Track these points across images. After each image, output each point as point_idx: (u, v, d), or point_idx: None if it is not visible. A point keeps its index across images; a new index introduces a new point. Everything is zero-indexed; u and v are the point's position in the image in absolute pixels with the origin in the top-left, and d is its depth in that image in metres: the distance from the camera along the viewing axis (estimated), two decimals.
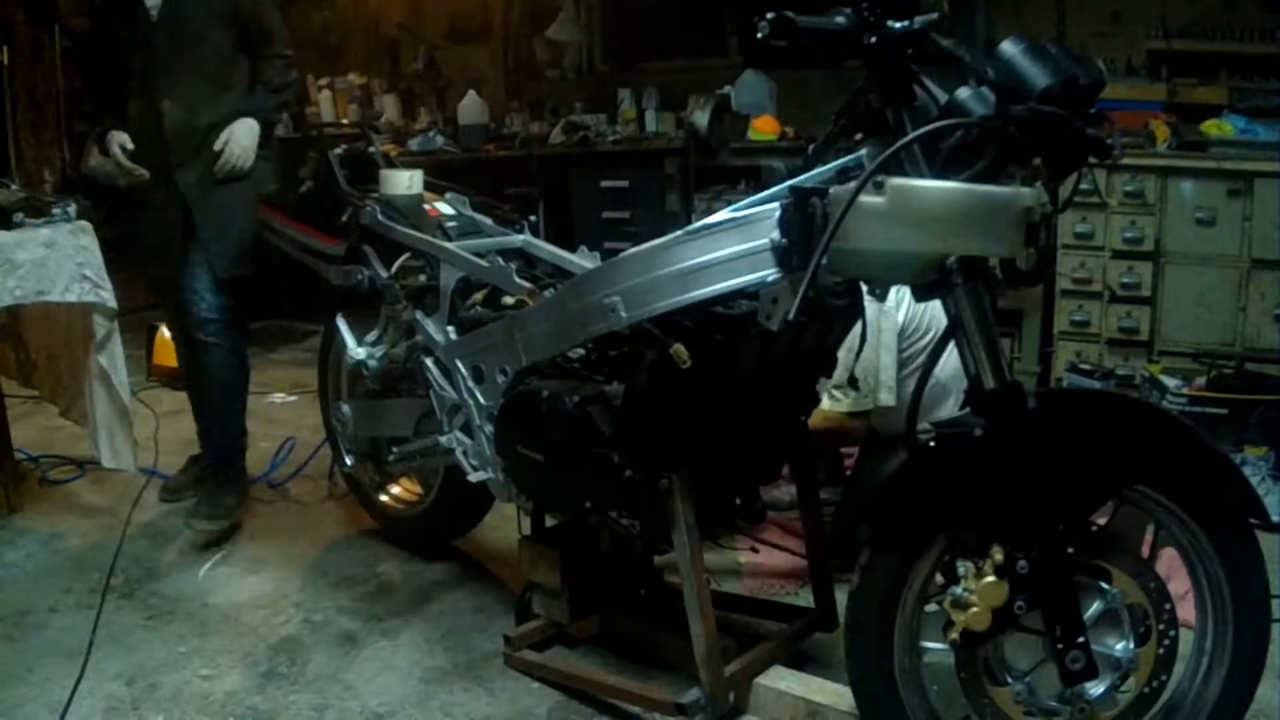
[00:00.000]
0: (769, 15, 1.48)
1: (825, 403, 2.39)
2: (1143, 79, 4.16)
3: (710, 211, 2.50)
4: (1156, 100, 4.04)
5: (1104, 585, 1.56)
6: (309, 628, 2.43)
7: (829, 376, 2.15)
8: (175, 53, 2.79)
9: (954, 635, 1.51)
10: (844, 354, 2.15)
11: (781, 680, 2.02)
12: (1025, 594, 1.49)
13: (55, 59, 5.68)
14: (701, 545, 1.96)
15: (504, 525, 2.66)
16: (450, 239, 2.44)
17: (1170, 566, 1.72)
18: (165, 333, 4.55)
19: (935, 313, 2.42)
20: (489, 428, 2.19)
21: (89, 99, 2.90)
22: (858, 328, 1.89)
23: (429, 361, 2.36)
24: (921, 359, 2.50)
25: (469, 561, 2.76)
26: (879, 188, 1.41)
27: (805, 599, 2.33)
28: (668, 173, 4.77)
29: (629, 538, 2.06)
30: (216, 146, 2.83)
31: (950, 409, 2.22)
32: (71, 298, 2.75)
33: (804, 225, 1.52)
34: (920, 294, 1.57)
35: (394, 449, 2.68)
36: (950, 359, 1.61)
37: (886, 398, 2.47)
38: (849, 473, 2.97)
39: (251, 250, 2.89)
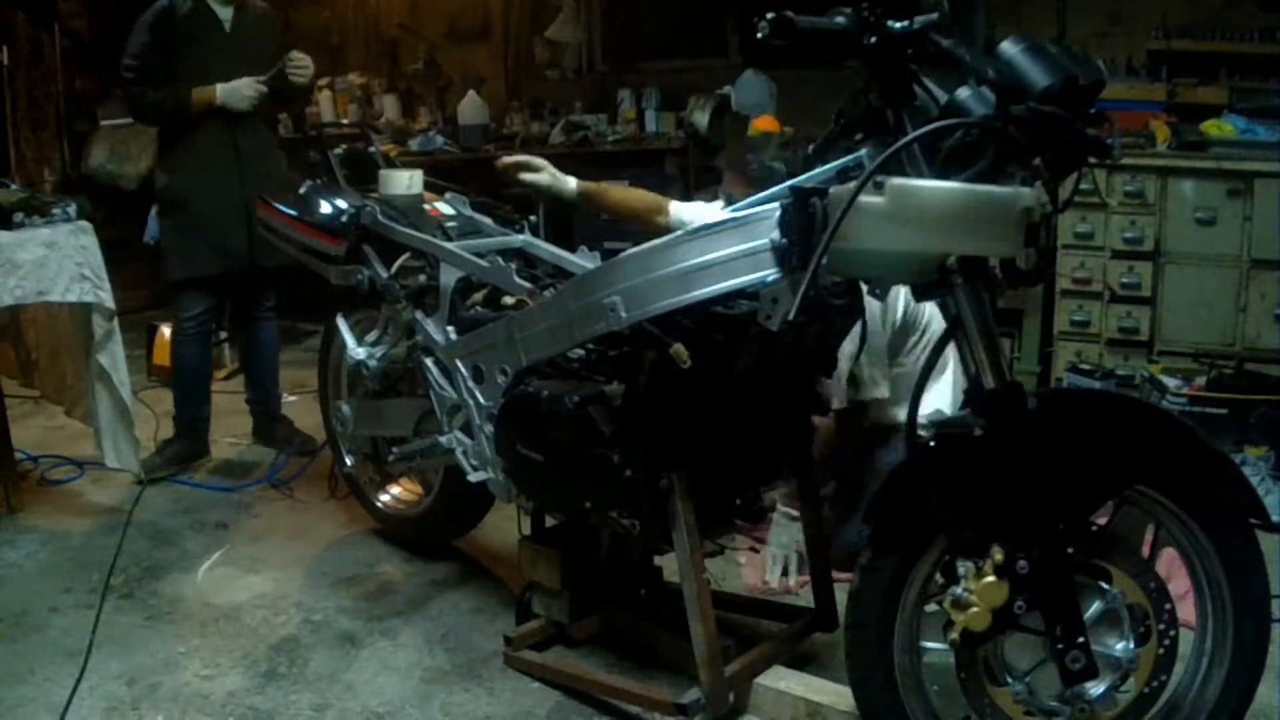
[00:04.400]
0: (769, 15, 1.48)
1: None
2: (1143, 79, 4.15)
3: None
4: (1156, 100, 4.04)
5: (1104, 585, 1.56)
6: (309, 628, 2.43)
7: (829, 376, 2.15)
8: (245, 61, 3.30)
9: (954, 635, 1.51)
10: (845, 354, 2.15)
11: (781, 680, 2.02)
12: (1025, 594, 1.49)
13: (55, 59, 5.67)
14: (701, 545, 1.96)
15: (504, 525, 2.66)
16: (450, 239, 2.44)
17: (1170, 566, 1.72)
18: (165, 333, 4.55)
19: (932, 311, 2.43)
20: (489, 428, 2.19)
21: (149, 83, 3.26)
22: (856, 329, 1.89)
23: (429, 361, 2.36)
24: (913, 356, 2.50)
25: (469, 561, 2.76)
26: (879, 188, 1.41)
27: (806, 599, 2.33)
28: (668, 173, 4.77)
29: (629, 538, 2.05)
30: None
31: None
32: (71, 298, 2.75)
33: (804, 225, 1.52)
34: (920, 294, 1.57)
35: (394, 449, 2.68)
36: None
37: (880, 391, 2.48)
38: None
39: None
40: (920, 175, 1.44)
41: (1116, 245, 3.78)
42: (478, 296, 2.33)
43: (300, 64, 3.32)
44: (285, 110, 3.51)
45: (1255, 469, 3.02)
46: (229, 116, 3.29)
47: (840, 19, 1.49)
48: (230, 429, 3.91)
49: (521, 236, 2.53)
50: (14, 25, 5.47)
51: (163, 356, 4.53)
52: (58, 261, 2.71)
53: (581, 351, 2.03)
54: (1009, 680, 1.60)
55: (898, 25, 1.48)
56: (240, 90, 3.27)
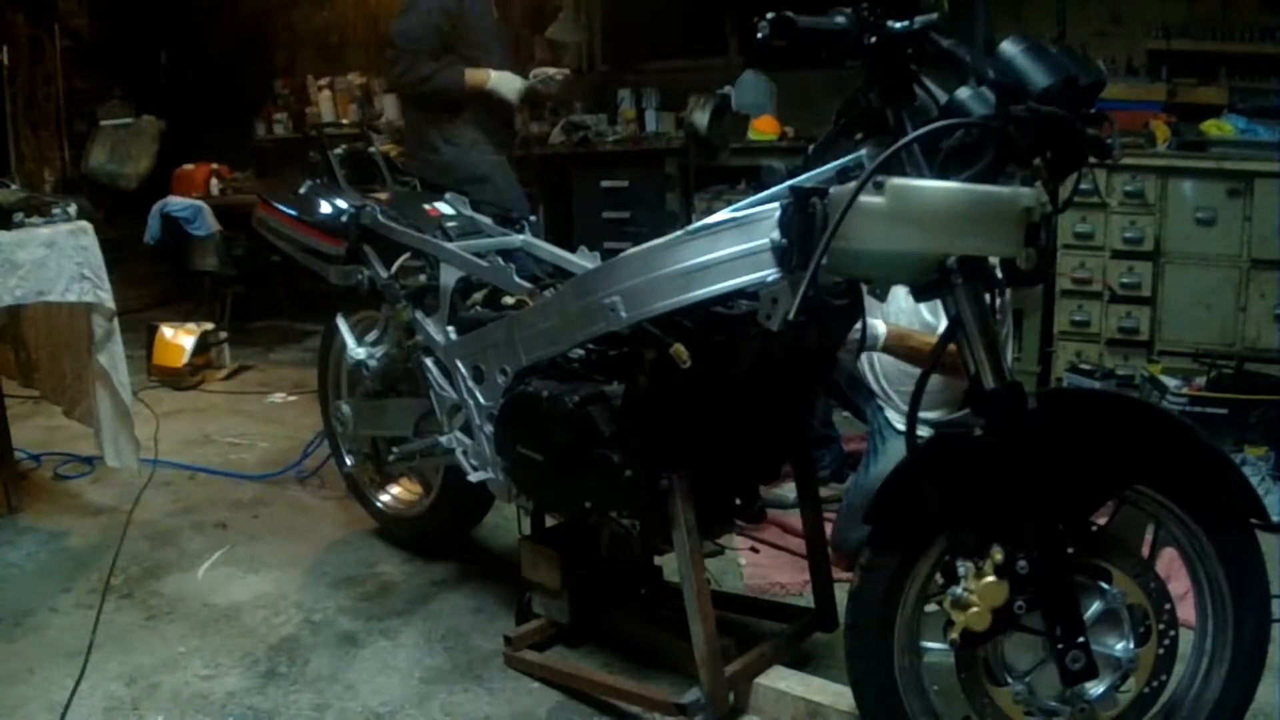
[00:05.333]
0: (769, 15, 1.48)
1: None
2: (1143, 79, 4.16)
3: (710, 211, 2.51)
4: (1156, 100, 4.04)
5: (1104, 585, 1.56)
6: (309, 628, 2.43)
7: (829, 377, 2.14)
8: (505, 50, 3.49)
9: (954, 635, 1.51)
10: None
11: (781, 680, 2.02)
12: (1025, 594, 1.49)
13: (55, 59, 5.68)
14: (701, 545, 1.96)
15: (504, 525, 2.66)
16: (450, 239, 2.44)
17: (1170, 566, 1.72)
18: (165, 332, 4.56)
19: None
20: (489, 428, 2.19)
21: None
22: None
23: (429, 361, 2.36)
24: None
25: (469, 561, 2.76)
26: (879, 188, 1.41)
27: (806, 599, 2.33)
28: (668, 173, 4.77)
29: (629, 538, 2.06)
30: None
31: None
32: (71, 298, 2.75)
33: (804, 225, 1.52)
34: (920, 294, 1.56)
35: (394, 449, 2.68)
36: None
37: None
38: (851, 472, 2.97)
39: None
40: (920, 175, 1.44)
41: (1116, 245, 3.78)
42: (478, 296, 2.33)
43: (555, 78, 3.53)
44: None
45: (1255, 469, 3.02)
46: (509, 112, 3.38)
47: (840, 19, 1.49)
48: (232, 429, 3.91)
49: (521, 236, 2.53)
50: (14, 25, 5.48)
51: (163, 356, 4.54)
52: (58, 261, 2.71)
53: (581, 351, 2.03)
54: (1009, 680, 1.60)
55: (898, 25, 1.48)
56: (510, 80, 3.31)
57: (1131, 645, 1.56)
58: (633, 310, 1.78)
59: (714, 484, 2.03)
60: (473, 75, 3.31)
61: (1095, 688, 1.56)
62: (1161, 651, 1.56)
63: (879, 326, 2.45)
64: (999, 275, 1.53)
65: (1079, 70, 1.40)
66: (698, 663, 1.91)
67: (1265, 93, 3.94)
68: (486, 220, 2.61)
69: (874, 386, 2.76)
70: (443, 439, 2.35)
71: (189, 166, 5.43)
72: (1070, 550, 1.51)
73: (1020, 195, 1.40)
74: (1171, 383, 3.44)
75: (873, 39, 1.48)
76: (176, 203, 5.17)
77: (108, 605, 2.52)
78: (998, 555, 1.49)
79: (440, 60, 3.32)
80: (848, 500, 2.72)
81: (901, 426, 2.52)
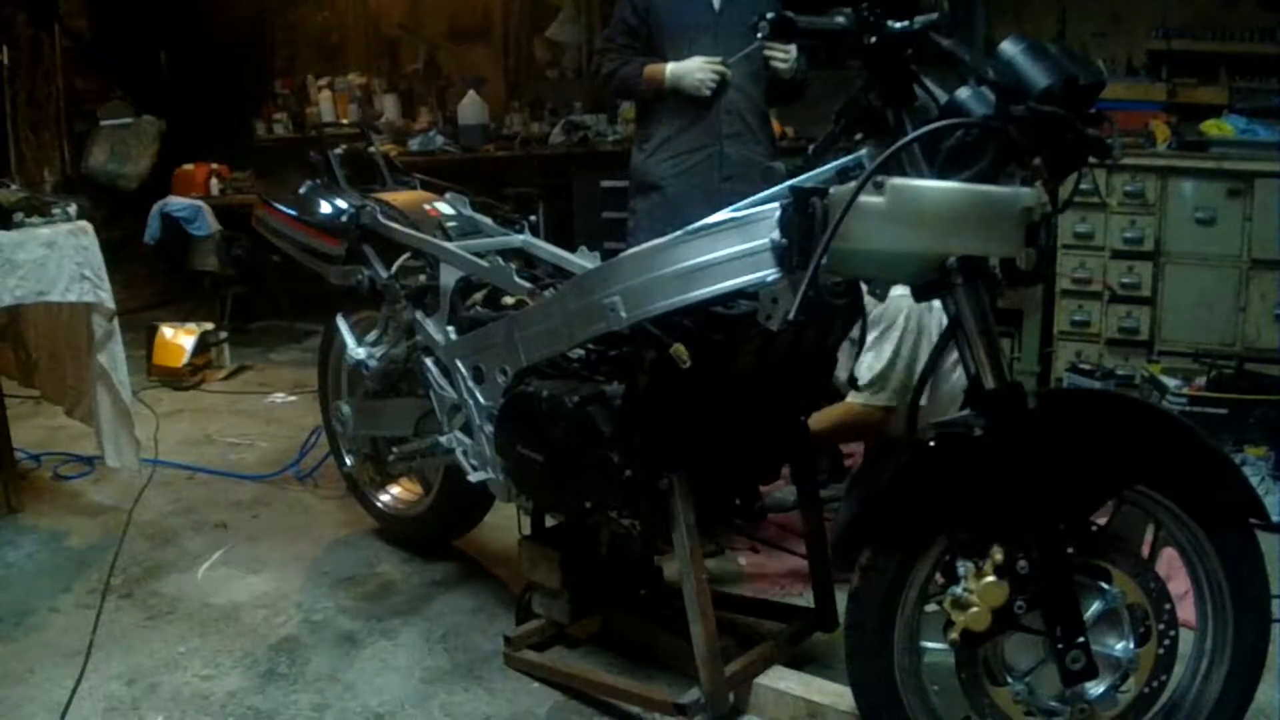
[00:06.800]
0: (769, 15, 1.48)
1: (858, 397, 2.40)
2: (1143, 79, 4.16)
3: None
4: (1156, 100, 4.05)
5: (1104, 585, 1.56)
6: (309, 628, 2.43)
7: (829, 376, 2.14)
8: (733, 49, 2.95)
9: (954, 635, 1.51)
10: (844, 354, 2.15)
11: (781, 680, 2.02)
12: (1025, 594, 1.49)
13: (55, 59, 5.68)
14: (701, 545, 1.96)
15: (504, 525, 2.66)
16: (450, 239, 2.44)
17: (1170, 566, 1.72)
18: (165, 332, 4.56)
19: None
20: (489, 428, 2.19)
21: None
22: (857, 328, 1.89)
23: (429, 361, 2.36)
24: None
25: (469, 561, 2.76)
26: (879, 188, 1.41)
27: (806, 599, 2.33)
28: None
29: (629, 538, 2.06)
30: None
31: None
32: (71, 298, 2.75)
33: (804, 225, 1.52)
34: (920, 294, 1.57)
35: (394, 449, 2.68)
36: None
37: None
38: (850, 471, 2.98)
39: None
40: (920, 175, 1.44)
41: (1116, 245, 3.78)
42: (478, 296, 2.33)
43: (781, 45, 2.89)
44: (777, 104, 3.17)
45: (1255, 469, 3.02)
46: (708, 106, 2.97)
47: (840, 19, 1.50)
48: (232, 429, 3.91)
49: (521, 236, 2.53)
50: (14, 25, 5.47)
51: (163, 356, 4.54)
52: (58, 261, 2.71)
53: (581, 351, 2.03)
54: (1009, 680, 1.60)
55: (898, 25, 1.49)
56: (691, 71, 2.92)
57: (1131, 645, 1.57)
58: (633, 310, 1.78)
59: (714, 484, 2.03)
60: (651, 70, 2.97)
61: (1095, 688, 1.56)
62: (1161, 651, 1.57)
63: None
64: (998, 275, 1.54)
65: (1079, 70, 1.41)
66: (698, 663, 1.91)
67: (1265, 93, 3.95)
68: (487, 220, 2.61)
69: None
70: (443, 439, 2.35)
71: (189, 166, 5.42)
72: (1070, 550, 1.51)
73: (1020, 195, 1.40)
74: (1171, 383, 3.45)
75: (873, 39, 1.48)
76: (176, 203, 5.17)
77: (108, 605, 2.52)
78: (998, 555, 1.49)
79: (636, 58, 3.02)
80: (846, 499, 2.72)
81: None
